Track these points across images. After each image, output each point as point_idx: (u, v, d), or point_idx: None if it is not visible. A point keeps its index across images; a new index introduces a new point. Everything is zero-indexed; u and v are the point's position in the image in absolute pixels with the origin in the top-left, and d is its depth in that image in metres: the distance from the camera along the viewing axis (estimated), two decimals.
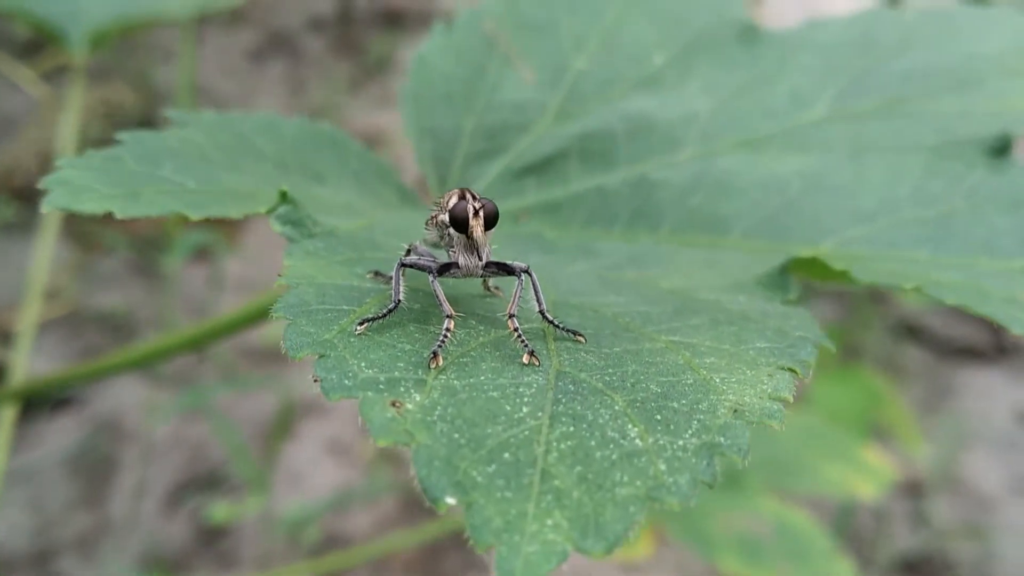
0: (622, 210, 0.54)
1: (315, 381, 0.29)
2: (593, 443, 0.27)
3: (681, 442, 0.27)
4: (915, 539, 1.47)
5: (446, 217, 0.37)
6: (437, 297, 0.34)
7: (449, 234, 0.37)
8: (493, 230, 0.37)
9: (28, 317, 0.81)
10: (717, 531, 0.91)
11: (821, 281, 0.48)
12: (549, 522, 0.25)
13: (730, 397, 0.30)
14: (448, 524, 1.15)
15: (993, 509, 1.52)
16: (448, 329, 0.32)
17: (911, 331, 1.84)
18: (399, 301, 0.34)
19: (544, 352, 0.33)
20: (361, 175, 0.55)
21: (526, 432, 0.27)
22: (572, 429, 0.28)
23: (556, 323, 0.35)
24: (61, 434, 1.52)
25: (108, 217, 0.37)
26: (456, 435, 0.27)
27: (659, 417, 0.28)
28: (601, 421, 0.28)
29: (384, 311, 0.33)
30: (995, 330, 1.80)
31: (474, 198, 0.37)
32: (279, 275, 0.35)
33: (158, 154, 0.41)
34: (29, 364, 0.78)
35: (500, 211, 0.37)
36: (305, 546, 1.38)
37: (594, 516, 0.25)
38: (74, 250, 1.83)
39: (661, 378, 0.31)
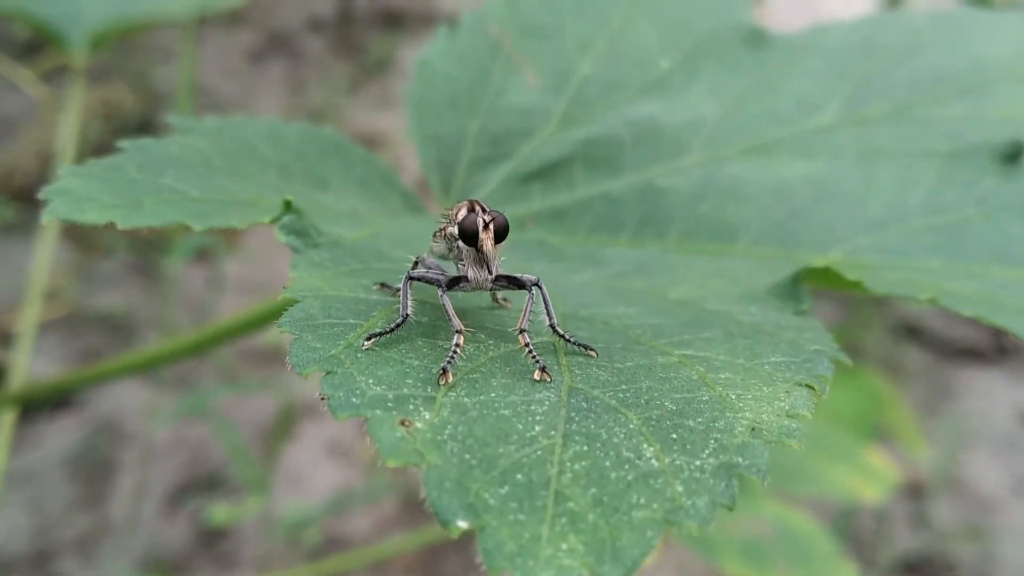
0: (629, 217, 0.54)
1: (322, 399, 0.28)
2: (608, 463, 0.26)
3: (698, 462, 0.26)
4: (916, 540, 1.47)
5: (455, 230, 0.36)
6: (447, 311, 0.33)
7: (458, 247, 0.36)
8: (503, 243, 0.36)
9: (28, 318, 0.80)
10: (720, 534, 0.91)
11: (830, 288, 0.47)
12: (564, 546, 0.24)
13: (747, 415, 0.29)
14: None
15: (994, 510, 1.52)
16: (458, 344, 0.32)
17: (911, 332, 1.83)
18: (407, 315, 0.33)
19: (555, 367, 0.32)
20: (365, 180, 0.54)
21: (539, 452, 0.27)
22: (586, 448, 0.27)
23: (567, 337, 0.34)
24: (61, 435, 1.51)
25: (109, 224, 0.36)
26: (467, 455, 0.26)
27: (675, 436, 0.28)
28: (616, 440, 0.27)
29: (392, 325, 0.33)
30: (996, 331, 1.79)
31: (484, 211, 0.36)
32: (284, 287, 0.34)
33: (160, 162, 0.41)
34: (29, 365, 0.78)
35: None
36: (305, 548, 1.38)
37: (611, 540, 0.24)
38: (74, 251, 1.82)
39: (676, 395, 0.30)
